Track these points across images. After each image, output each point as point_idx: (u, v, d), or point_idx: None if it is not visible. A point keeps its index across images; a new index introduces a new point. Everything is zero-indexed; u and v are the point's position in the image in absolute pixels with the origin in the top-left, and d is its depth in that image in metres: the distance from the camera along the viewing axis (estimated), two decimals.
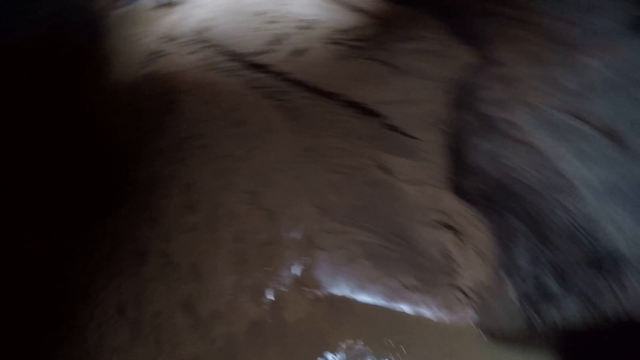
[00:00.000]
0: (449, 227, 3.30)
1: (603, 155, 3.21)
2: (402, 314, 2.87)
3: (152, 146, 4.12)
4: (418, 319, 2.83)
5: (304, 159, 3.67)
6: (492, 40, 4.54)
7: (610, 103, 3.44)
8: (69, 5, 6.59)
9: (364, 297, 3.03)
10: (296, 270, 3.07)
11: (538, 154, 3.34)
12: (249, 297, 2.91)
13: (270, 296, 2.94)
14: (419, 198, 3.43)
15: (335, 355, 2.74)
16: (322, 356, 2.73)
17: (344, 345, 2.75)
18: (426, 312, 2.93)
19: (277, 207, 3.37)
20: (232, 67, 4.95)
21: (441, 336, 2.82)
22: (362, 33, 5.02)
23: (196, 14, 6.97)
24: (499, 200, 3.32)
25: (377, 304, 2.97)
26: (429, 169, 3.68)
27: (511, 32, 4.39)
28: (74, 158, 4.30)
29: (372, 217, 3.33)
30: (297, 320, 2.89)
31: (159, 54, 6.04)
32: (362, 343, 2.72)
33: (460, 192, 3.50)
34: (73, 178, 4.06)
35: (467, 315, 2.94)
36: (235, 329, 2.76)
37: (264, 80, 4.58)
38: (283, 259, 3.12)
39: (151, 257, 3.25)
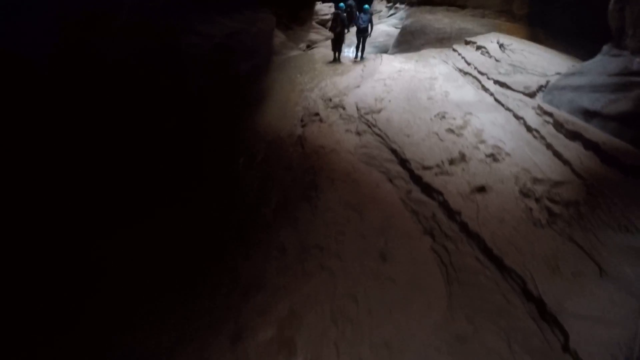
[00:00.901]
0: None
1: None
2: None
3: (275, 238, 3.50)
4: None
5: (449, 353, 2.70)
6: None
7: None
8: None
9: None
10: None
11: None
12: None
13: None
14: None
15: None
16: None
17: None
18: None
19: None
20: (395, 171, 4.24)
21: None
22: (561, 193, 3.97)
23: (373, 86, 6.56)
24: None
25: None
26: None
27: None
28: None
29: None
30: None
31: (317, 116, 5.63)
32: None
33: None
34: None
35: None
36: None
37: (428, 206, 3.76)
38: None
39: None
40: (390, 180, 4.10)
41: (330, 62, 9.62)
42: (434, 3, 11.05)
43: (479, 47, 8.43)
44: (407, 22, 10.99)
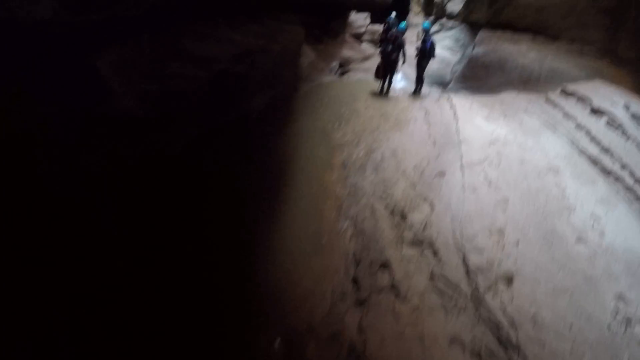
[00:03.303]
0: None
1: None
2: None
3: None
4: None
5: None
6: None
7: None
8: None
9: None
10: None
11: None
12: None
13: None
14: None
15: None
16: None
17: None
18: None
19: None
20: None
21: None
22: None
23: (472, 185, 3.72)
24: None
25: None
26: None
27: None
28: None
29: None
30: None
31: (386, 274, 2.98)
32: None
33: None
34: None
35: None
36: None
37: None
38: None
39: None
40: None
41: (375, 97, 6.96)
42: (515, 28, 8.25)
43: (597, 111, 5.73)
44: (478, 50, 8.22)
